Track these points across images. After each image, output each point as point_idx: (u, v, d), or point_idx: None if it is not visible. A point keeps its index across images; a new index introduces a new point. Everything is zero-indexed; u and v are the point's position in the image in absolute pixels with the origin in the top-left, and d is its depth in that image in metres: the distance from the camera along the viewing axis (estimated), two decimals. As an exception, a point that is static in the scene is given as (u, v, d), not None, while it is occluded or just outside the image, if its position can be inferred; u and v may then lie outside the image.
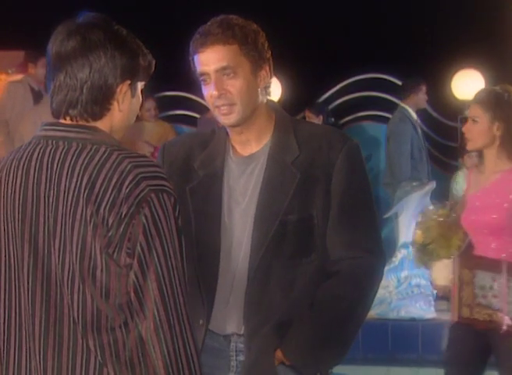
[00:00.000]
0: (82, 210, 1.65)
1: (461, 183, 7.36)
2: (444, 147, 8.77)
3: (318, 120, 7.47)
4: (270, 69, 2.18)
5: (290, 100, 7.63)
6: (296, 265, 2.12)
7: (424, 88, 7.38)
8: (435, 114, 8.56)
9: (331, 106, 8.42)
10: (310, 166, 2.14)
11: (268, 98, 2.21)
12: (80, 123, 1.74)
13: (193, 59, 2.17)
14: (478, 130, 3.27)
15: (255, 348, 2.12)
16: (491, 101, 3.28)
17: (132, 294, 1.66)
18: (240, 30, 2.12)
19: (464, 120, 3.31)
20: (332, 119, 7.85)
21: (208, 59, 2.13)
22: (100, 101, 1.71)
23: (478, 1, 8.97)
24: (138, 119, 7.63)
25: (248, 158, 2.19)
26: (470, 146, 3.31)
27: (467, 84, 8.99)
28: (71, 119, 1.74)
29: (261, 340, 2.10)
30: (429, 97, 7.58)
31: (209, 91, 2.17)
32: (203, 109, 8.35)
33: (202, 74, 2.15)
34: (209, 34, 2.13)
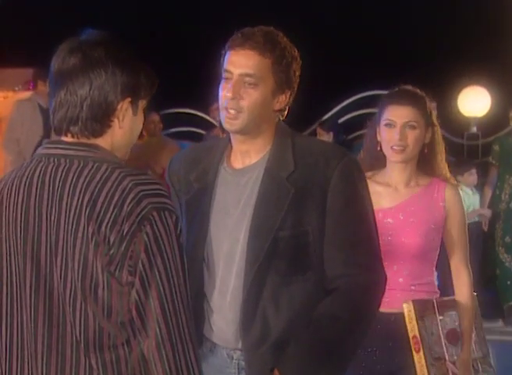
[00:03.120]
0: (83, 228, 1.65)
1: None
2: (450, 163, 8.75)
3: (328, 137, 7.47)
4: (290, 96, 2.19)
5: (298, 115, 7.63)
6: (291, 282, 2.11)
7: (431, 106, 7.36)
8: (440, 130, 8.54)
9: (339, 121, 8.43)
10: (305, 183, 2.13)
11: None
12: (81, 140, 1.74)
13: (224, 54, 2.17)
14: (416, 137, 2.92)
15: (254, 367, 2.11)
16: (425, 105, 2.98)
17: (134, 312, 1.65)
18: (280, 50, 2.13)
19: (410, 127, 2.90)
20: (344, 137, 7.85)
21: (238, 61, 2.13)
22: (100, 118, 1.71)
23: (484, 18, 8.98)
24: (142, 136, 7.67)
25: (244, 170, 2.19)
26: (404, 156, 2.92)
27: (474, 101, 9.02)
28: (72, 136, 1.75)
29: (259, 358, 2.10)
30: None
31: (224, 91, 2.17)
32: (209, 126, 8.37)
33: (226, 71, 2.15)
34: (250, 39, 2.13)
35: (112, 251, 1.63)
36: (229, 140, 2.23)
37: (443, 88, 8.25)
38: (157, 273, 1.63)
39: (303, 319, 2.09)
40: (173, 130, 9.13)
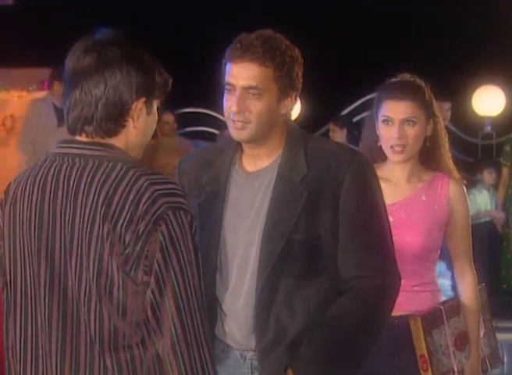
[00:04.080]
0: (99, 228, 1.65)
1: (473, 200, 7.28)
2: (464, 163, 8.72)
3: (341, 133, 7.44)
4: (296, 97, 2.17)
5: (312, 114, 7.62)
6: (305, 285, 2.11)
7: (446, 106, 7.31)
8: (455, 130, 8.52)
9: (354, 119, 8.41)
10: (318, 185, 2.13)
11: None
12: (96, 140, 1.74)
13: (225, 64, 2.15)
14: (416, 134, 2.80)
15: (268, 367, 2.12)
16: (424, 96, 2.82)
17: (149, 312, 1.65)
18: (280, 56, 2.11)
19: (410, 124, 2.76)
20: (356, 132, 7.81)
21: (240, 73, 2.11)
22: (115, 117, 1.71)
23: (498, 17, 8.92)
24: (156, 135, 7.67)
25: (257, 174, 2.19)
26: (404, 156, 2.80)
27: (488, 101, 8.97)
28: (86, 136, 1.74)
29: (273, 359, 2.11)
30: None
31: (229, 103, 2.16)
32: (222, 126, 8.37)
33: (228, 84, 2.14)
34: (249, 50, 2.10)
35: (127, 251, 1.63)
36: (237, 146, 2.23)
37: (457, 88, 8.22)
38: (172, 272, 1.63)
39: (317, 322, 2.10)
40: (188, 129, 9.15)
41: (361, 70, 8.45)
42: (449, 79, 8.29)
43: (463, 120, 8.39)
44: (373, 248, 2.13)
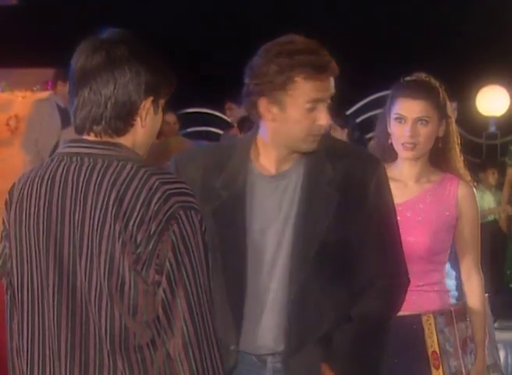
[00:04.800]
0: (110, 227, 1.66)
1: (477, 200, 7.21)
2: (468, 163, 8.71)
3: (342, 133, 7.42)
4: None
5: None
6: (335, 286, 2.17)
7: (452, 106, 7.32)
8: (459, 130, 8.50)
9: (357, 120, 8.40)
10: (345, 189, 2.18)
11: None
12: (105, 139, 1.74)
13: None
14: (428, 133, 2.78)
15: (297, 366, 2.14)
16: (438, 96, 2.81)
17: (160, 311, 1.66)
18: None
19: (423, 123, 2.74)
20: (359, 134, 7.78)
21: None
22: (124, 117, 1.72)
23: (502, 16, 8.91)
24: (159, 135, 7.66)
25: (280, 176, 2.19)
26: (415, 153, 2.79)
27: (492, 100, 8.96)
28: (95, 136, 1.75)
29: (301, 359, 2.14)
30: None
31: None
32: (226, 126, 8.36)
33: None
34: None
35: (138, 250, 1.64)
36: (252, 142, 2.21)
37: (461, 88, 8.19)
38: (184, 272, 1.64)
39: (344, 318, 2.18)
40: (190, 129, 9.15)
41: (365, 70, 8.44)
42: (453, 78, 8.23)
43: (467, 120, 8.37)
44: (393, 252, 2.25)
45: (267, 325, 2.14)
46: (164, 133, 7.44)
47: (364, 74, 8.50)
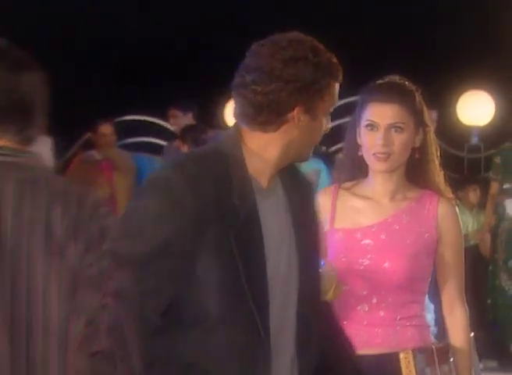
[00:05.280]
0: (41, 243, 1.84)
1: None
2: (449, 179, 8.79)
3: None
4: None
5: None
6: None
7: (432, 115, 7.41)
8: (438, 142, 8.58)
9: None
10: (302, 203, 2.33)
11: None
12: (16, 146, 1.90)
13: None
14: (403, 142, 2.81)
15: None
16: (414, 101, 2.84)
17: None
18: None
19: (397, 130, 2.80)
20: (324, 148, 7.82)
21: None
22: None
23: (485, 17, 9.02)
24: (96, 147, 7.61)
25: (271, 191, 2.28)
26: (388, 165, 2.81)
27: (475, 108, 8.98)
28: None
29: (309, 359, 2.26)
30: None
31: None
32: (169, 136, 8.33)
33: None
34: None
35: (71, 266, 1.85)
36: (241, 153, 2.26)
37: (440, 93, 8.27)
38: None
39: None
40: (130, 140, 9.10)
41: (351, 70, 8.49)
42: (431, 83, 8.36)
43: (446, 131, 8.46)
44: None
45: (285, 359, 2.23)
46: (101, 147, 7.40)
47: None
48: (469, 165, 9.12)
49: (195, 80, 8.28)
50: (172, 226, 2.11)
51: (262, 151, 2.24)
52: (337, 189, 2.96)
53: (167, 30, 9.04)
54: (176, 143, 7.30)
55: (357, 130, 2.87)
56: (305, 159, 2.31)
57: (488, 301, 7.36)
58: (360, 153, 2.86)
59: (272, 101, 2.19)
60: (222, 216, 2.15)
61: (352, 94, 8.96)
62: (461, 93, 9.01)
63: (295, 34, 2.25)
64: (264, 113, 2.20)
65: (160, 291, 2.09)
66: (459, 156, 9.02)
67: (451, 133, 8.56)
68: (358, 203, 2.90)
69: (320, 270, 2.37)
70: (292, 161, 2.29)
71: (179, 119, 7.59)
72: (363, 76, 3.05)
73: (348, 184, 2.94)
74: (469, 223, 7.44)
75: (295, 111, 2.19)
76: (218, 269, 2.11)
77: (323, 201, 2.91)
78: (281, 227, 2.24)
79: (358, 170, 2.91)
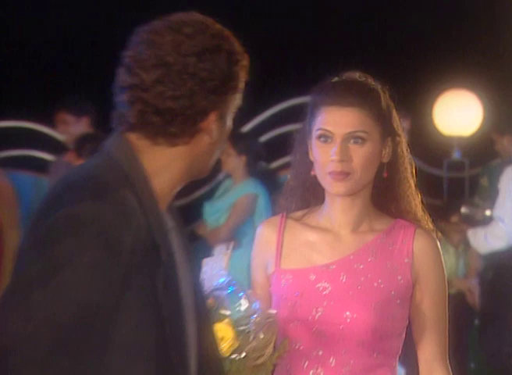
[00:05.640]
0: None
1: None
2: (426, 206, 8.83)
3: (239, 161, 7.47)
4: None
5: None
6: None
7: (403, 124, 7.42)
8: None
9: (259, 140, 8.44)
10: None
11: None
12: None
13: None
14: (366, 156, 2.85)
15: None
16: (379, 103, 2.89)
17: None
18: None
19: (357, 141, 2.85)
20: (264, 164, 7.85)
21: None
22: None
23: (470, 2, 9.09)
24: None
25: (168, 217, 2.38)
26: (348, 186, 2.85)
27: (457, 113, 9.00)
28: None
29: None
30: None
31: None
32: (57, 147, 8.26)
33: None
34: None
35: None
36: (141, 172, 2.31)
37: (412, 95, 8.32)
38: None
39: None
40: (3, 153, 9.02)
41: (275, 72, 8.53)
42: (398, 82, 8.42)
43: (420, 143, 8.51)
44: None
45: None
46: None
47: (274, 76, 8.60)
48: (450, 187, 9.19)
49: (91, 76, 8.23)
50: (102, 286, 2.14)
51: (164, 170, 2.30)
52: (284, 219, 2.98)
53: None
54: (68, 157, 7.24)
55: (308, 143, 2.89)
56: (204, 175, 2.38)
57: (471, 365, 7.45)
58: (312, 172, 2.89)
59: (186, 106, 2.25)
60: (146, 260, 2.22)
61: (300, 95, 9.04)
62: (438, 93, 9.03)
63: (192, 16, 2.30)
64: (177, 123, 2.26)
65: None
66: (437, 176, 9.09)
67: (426, 147, 8.60)
68: (311, 236, 2.94)
69: (255, 319, 2.46)
70: (191, 179, 2.36)
71: (71, 126, 7.54)
72: (316, 72, 3.08)
73: (299, 213, 2.97)
74: (453, 264, 7.49)
75: (210, 117, 2.27)
76: (142, 332, 2.17)
77: (266, 235, 2.97)
78: (186, 262, 2.36)
79: (311, 195, 2.94)
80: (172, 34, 2.26)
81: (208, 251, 7.38)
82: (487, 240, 6.97)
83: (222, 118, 2.31)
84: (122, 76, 2.28)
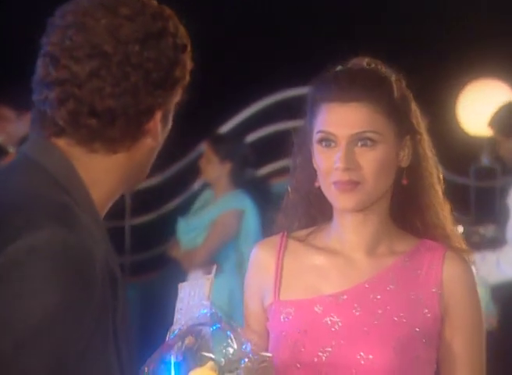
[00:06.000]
0: None
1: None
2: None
3: (222, 168, 7.46)
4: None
5: (178, 134, 7.59)
6: None
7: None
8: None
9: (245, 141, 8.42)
10: None
11: None
12: None
13: None
14: (377, 162, 2.87)
15: None
16: (392, 95, 2.92)
17: None
18: None
19: (364, 144, 2.88)
20: (252, 170, 7.83)
21: None
22: None
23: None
24: None
25: None
26: (359, 200, 2.87)
27: (485, 108, 8.99)
28: None
29: None
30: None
31: None
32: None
33: None
34: None
35: None
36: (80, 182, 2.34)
37: (429, 86, 8.34)
38: None
39: None
40: None
41: (263, 53, 8.55)
42: (413, 71, 8.42)
43: (441, 146, 8.54)
44: None
45: None
46: None
47: (253, 62, 8.63)
48: (478, 198, 9.19)
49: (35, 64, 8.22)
50: (75, 332, 2.15)
51: (100, 182, 2.33)
52: (285, 239, 3.01)
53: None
54: (9, 158, 7.24)
55: (310, 148, 2.91)
56: (139, 185, 2.42)
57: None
58: (317, 183, 2.91)
59: (129, 104, 2.27)
60: (108, 294, 2.25)
61: (294, 86, 9.03)
62: (463, 85, 9.04)
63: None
64: (118, 125, 2.28)
65: None
66: (462, 185, 9.09)
67: (449, 150, 8.60)
68: (318, 260, 2.96)
69: (246, 364, 2.52)
70: (126, 191, 2.41)
71: (11, 124, 7.51)
72: (314, 59, 3.09)
73: (302, 232, 2.99)
74: (483, 294, 7.50)
75: (156, 116, 2.31)
76: None
77: (262, 259, 3.01)
78: None
79: (318, 211, 2.96)
80: (108, 16, 2.26)
81: (180, 278, 7.38)
82: (500, 266, 6.99)
83: (165, 117, 2.34)
84: (46, 70, 2.27)
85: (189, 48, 2.34)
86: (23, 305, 2.11)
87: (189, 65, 2.35)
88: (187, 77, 2.34)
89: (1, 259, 2.14)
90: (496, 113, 7.52)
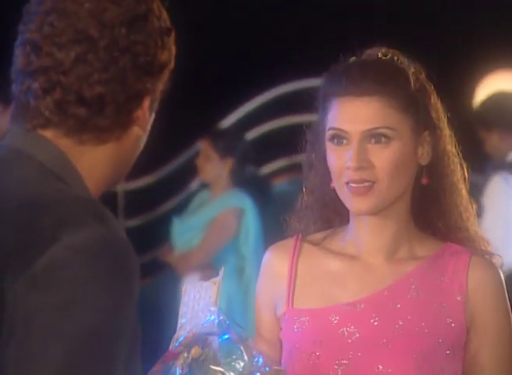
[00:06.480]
0: None
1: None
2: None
3: (223, 165, 7.47)
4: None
5: (174, 130, 7.59)
6: None
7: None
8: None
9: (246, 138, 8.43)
10: None
11: None
12: None
13: None
14: (393, 160, 2.89)
15: None
16: (408, 87, 2.93)
17: None
18: None
19: (378, 140, 2.88)
20: (253, 168, 7.84)
21: None
22: None
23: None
24: None
25: None
26: (373, 202, 2.88)
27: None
28: None
29: None
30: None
31: None
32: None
33: None
34: None
35: None
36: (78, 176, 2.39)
37: (447, 77, 8.39)
38: None
39: None
40: None
41: (267, 44, 8.55)
42: (429, 61, 8.44)
43: (460, 142, 8.54)
44: None
45: None
46: None
47: (255, 54, 8.62)
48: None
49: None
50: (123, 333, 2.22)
51: (90, 175, 2.37)
52: (299, 243, 3.03)
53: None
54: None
55: (323, 146, 2.94)
56: (122, 179, 2.49)
57: None
58: (333, 185, 2.94)
59: (118, 91, 2.31)
60: None
61: (300, 78, 9.05)
62: (484, 76, 9.06)
63: None
64: (108, 113, 2.32)
65: None
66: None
67: (469, 147, 8.62)
68: (334, 266, 2.98)
69: None
70: (112, 185, 2.46)
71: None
72: (327, 50, 3.08)
73: (318, 236, 3.02)
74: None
75: (145, 103, 2.36)
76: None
77: (275, 265, 3.03)
78: None
79: (333, 213, 2.98)
80: (91, 0, 2.29)
81: (175, 283, 7.34)
82: None
83: (152, 105, 2.39)
84: (26, 58, 2.29)
85: (173, 32, 2.38)
86: (77, 311, 2.14)
87: (173, 50, 2.39)
88: (172, 62, 2.38)
89: (45, 261, 2.17)
90: (480, 106, 7.59)
